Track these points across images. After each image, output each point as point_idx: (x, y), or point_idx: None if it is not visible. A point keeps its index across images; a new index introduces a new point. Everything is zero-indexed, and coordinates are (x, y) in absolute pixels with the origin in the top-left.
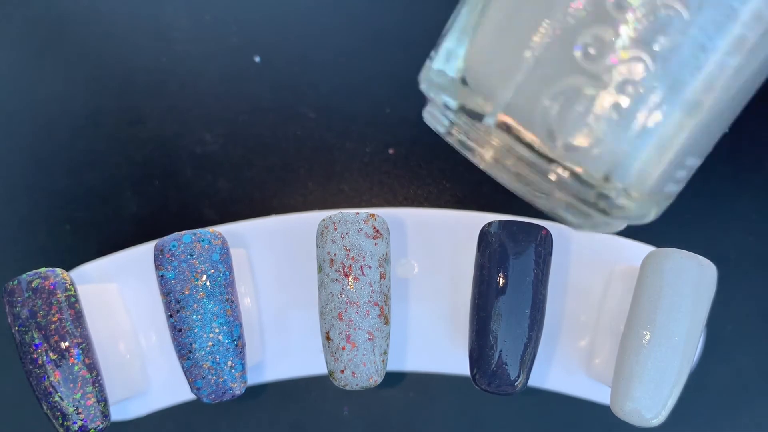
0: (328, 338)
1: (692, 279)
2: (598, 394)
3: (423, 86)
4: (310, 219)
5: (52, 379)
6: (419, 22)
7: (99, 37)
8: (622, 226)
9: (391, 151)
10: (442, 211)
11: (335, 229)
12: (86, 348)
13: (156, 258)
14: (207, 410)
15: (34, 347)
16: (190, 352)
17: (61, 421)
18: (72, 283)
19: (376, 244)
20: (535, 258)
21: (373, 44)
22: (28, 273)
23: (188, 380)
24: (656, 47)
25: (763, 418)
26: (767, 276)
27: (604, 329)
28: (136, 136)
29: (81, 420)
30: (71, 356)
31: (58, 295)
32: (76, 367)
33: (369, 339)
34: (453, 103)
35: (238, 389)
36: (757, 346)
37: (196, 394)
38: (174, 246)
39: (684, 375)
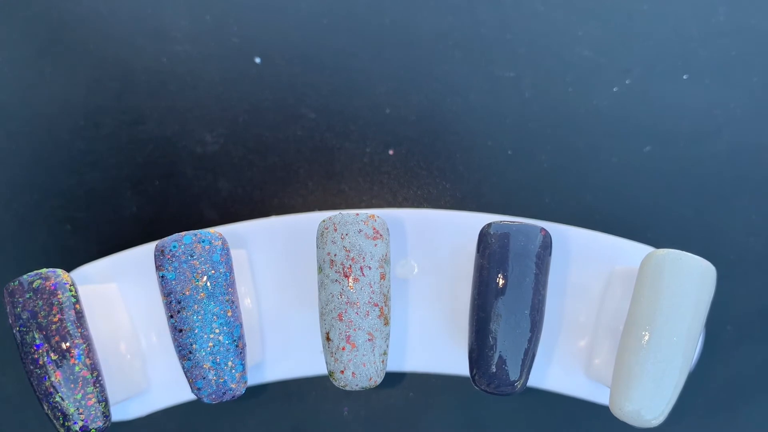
0: (328, 339)
1: (691, 279)
2: (598, 394)
3: None
4: (310, 219)
5: (53, 379)
6: (419, 22)
7: (99, 38)
8: None
9: (390, 152)
10: (441, 212)
11: (335, 230)
12: (87, 348)
13: (156, 258)
14: (207, 410)
15: (35, 348)
16: (190, 352)
17: (62, 422)
18: (73, 284)
19: (376, 244)
20: (534, 259)
21: (373, 44)
22: (29, 273)
23: (189, 380)
24: None
25: (762, 418)
26: (767, 276)
27: (603, 330)
28: (136, 136)
29: (82, 420)
30: (72, 357)
31: (59, 296)
32: (77, 368)
33: (369, 339)
34: None
35: (238, 389)
36: (757, 346)
37: (196, 395)
38: (174, 247)
39: (683, 375)
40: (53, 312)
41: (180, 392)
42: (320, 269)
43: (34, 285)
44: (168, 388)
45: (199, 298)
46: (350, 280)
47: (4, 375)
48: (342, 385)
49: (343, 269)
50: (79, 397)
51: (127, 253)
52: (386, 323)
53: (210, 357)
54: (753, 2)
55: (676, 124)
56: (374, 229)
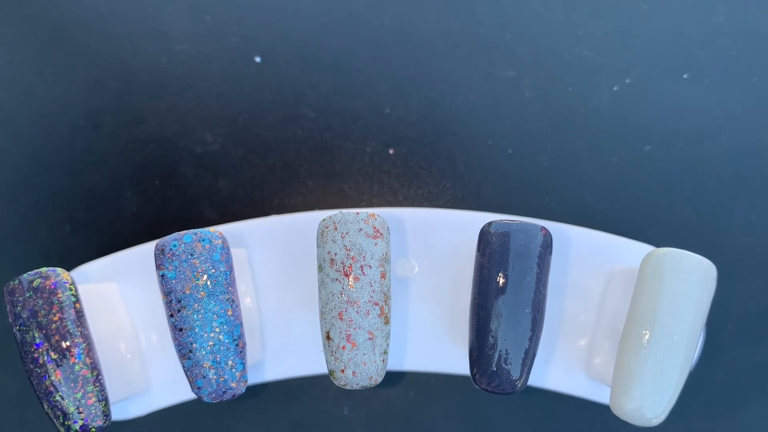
0: (328, 338)
1: (692, 279)
2: (598, 393)
3: None
4: (310, 219)
5: (53, 378)
6: (419, 22)
7: (99, 38)
8: None
9: (391, 151)
10: (442, 211)
11: (335, 229)
12: (87, 347)
13: (157, 258)
14: (208, 410)
15: (35, 346)
16: (190, 351)
17: (62, 420)
18: (73, 283)
19: (376, 243)
20: (535, 258)
21: (373, 44)
22: (29, 273)
23: (189, 380)
24: None
25: (762, 418)
26: (767, 276)
27: (603, 329)
28: (137, 136)
29: (82, 419)
30: (72, 356)
31: (59, 295)
32: (77, 367)
33: (369, 338)
34: None
35: (238, 389)
36: (757, 346)
37: (196, 394)
38: (175, 246)
39: (684, 374)
40: (53, 311)
41: (180, 391)
42: (320, 268)
43: (34, 284)
44: (168, 387)
45: (199, 297)
46: (350, 279)
47: (4, 374)
48: (342, 384)
49: (344, 268)
50: (79, 396)
51: (127, 253)
52: (386, 322)
53: (210, 356)
54: (753, 2)
55: (676, 124)
56: (374, 228)
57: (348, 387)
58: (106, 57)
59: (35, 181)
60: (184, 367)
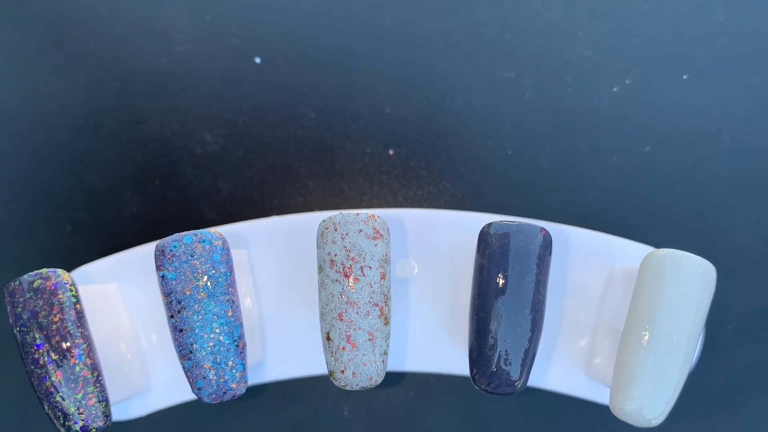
0: (328, 338)
1: (691, 279)
2: (598, 394)
3: None
4: (311, 219)
5: (53, 379)
6: (419, 22)
7: (99, 38)
8: None
9: (391, 152)
10: (442, 212)
11: (335, 230)
12: (87, 348)
13: (157, 258)
14: (208, 410)
15: (35, 347)
16: (191, 352)
17: (62, 421)
18: (73, 284)
19: (376, 244)
20: (534, 258)
21: (373, 44)
22: (29, 273)
23: (189, 380)
24: None
25: (762, 418)
26: (767, 276)
27: (603, 329)
28: (137, 136)
29: (82, 420)
30: (72, 356)
31: (60, 296)
32: (77, 368)
33: (369, 339)
34: None
35: (238, 389)
36: (757, 346)
37: (197, 395)
38: (175, 246)
39: (683, 375)
40: (54, 312)
41: (180, 392)
42: (320, 269)
43: (35, 285)
44: (168, 387)
45: (199, 297)
46: (350, 279)
47: (4, 375)
48: (342, 385)
49: (344, 269)
50: (79, 396)
51: (127, 253)
52: (386, 323)
53: (210, 357)
54: (753, 2)
55: (676, 124)
56: (374, 229)
57: (348, 388)
58: (106, 57)
59: (35, 181)
60: (184, 367)
